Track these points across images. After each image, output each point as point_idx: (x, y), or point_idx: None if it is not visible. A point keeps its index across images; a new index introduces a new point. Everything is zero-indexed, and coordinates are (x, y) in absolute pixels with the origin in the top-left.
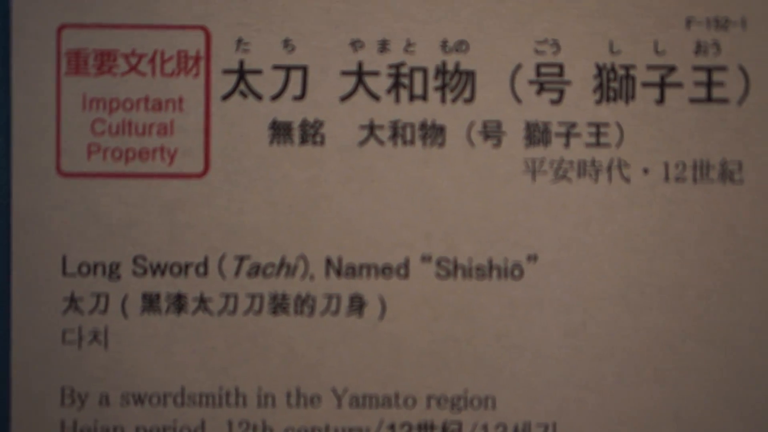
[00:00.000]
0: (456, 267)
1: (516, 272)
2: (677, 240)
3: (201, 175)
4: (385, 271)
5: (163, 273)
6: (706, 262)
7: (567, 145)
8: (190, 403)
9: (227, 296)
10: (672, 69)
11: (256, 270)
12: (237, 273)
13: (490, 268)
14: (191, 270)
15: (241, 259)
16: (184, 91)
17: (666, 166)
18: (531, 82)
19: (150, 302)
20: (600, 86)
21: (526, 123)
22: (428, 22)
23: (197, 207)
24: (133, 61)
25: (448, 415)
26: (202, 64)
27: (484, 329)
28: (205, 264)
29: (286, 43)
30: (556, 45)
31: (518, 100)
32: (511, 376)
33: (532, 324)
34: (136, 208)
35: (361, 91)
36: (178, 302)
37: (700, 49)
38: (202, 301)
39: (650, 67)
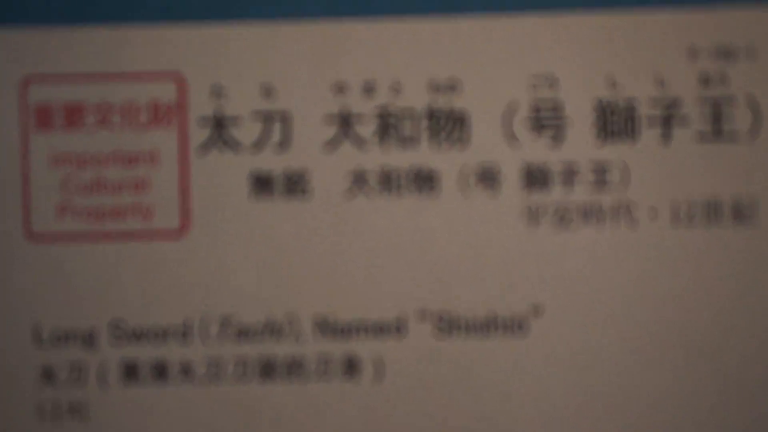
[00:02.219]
0: (455, 324)
1: (519, 327)
2: (689, 287)
3: (179, 232)
4: (380, 330)
5: (142, 339)
6: (720, 311)
7: (568, 187)
8: None
9: (211, 363)
10: (677, 103)
11: (241, 333)
12: (221, 337)
13: (492, 323)
14: (172, 335)
15: (225, 321)
16: (158, 144)
17: (674, 207)
18: (527, 121)
19: (129, 372)
20: (601, 123)
21: (523, 165)
22: (415, 60)
23: (176, 267)
24: (103, 113)
25: None
26: (176, 113)
27: (487, 390)
28: (187, 328)
29: (265, 89)
30: (553, 80)
31: (514, 140)
32: None
33: (537, 382)
34: (111, 270)
35: (346, 136)
36: (160, 371)
37: (705, 80)
38: (185, 369)
39: (653, 101)
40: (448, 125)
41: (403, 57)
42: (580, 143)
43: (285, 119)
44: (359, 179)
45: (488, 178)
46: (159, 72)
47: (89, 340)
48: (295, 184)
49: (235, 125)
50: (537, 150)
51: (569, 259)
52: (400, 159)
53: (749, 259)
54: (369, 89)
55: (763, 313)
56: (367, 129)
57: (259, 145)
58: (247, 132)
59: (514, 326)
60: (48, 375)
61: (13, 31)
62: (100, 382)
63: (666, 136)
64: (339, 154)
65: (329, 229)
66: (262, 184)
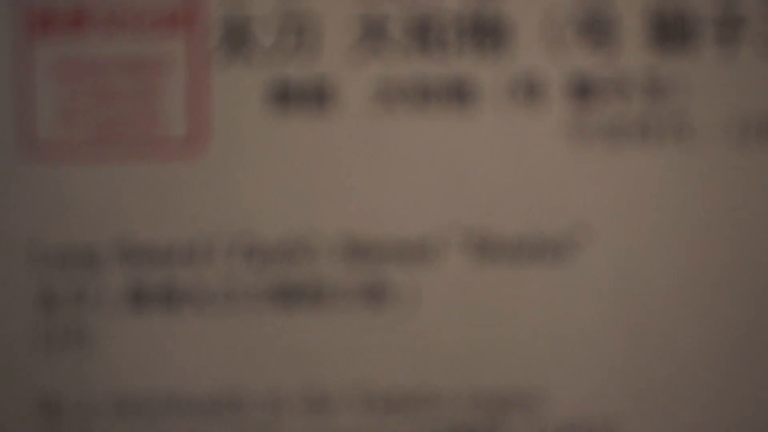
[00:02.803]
0: (494, 249)
1: (562, 253)
2: (753, 213)
3: (190, 145)
4: (410, 255)
5: (148, 259)
6: None
7: (620, 101)
8: (186, 413)
9: (223, 287)
10: (740, 7)
11: (257, 254)
12: (234, 258)
13: (533, 249)
14: (181, 256)
15: (239, 241)
16: (168, 49)
17: (737, 124)
18: (575, 27)
19: (135, 296)
20: (657, 30)
21: (570, 76)
22: None
23: (187, 183)
24: (109, 14)
25: (488, 416)
26: (190, 15)
27: (526, 319)
28: (197, 248)
29: None
30: None
31: (561, 48)
32: (562, 372)
33: (580, 313)
34: (118, 184)
35: (375, 42)
36: (168, 295)
37: None
38: (195, 294)
39: (714, 6)
40: (488, 30)
41: None
42: (634, 51)
43: (308, 22)
44: (389, 89)
45: (531, 89)
46: None
47: (91, 259)
48: (319, 94)
49: (254, 28)
50: (585, 59)
51: (619, 181)
52: (434, 67)
53: None
54: None
55: None
56: (398, 33)
57: (279, 50)
58: (266, 36)
59: (557, 252)
60: (45, 298)
61: None
62: (103, 306)
63: (728, 44)
64: (367, 61)
65: (355, 143)
66: (282, 93)
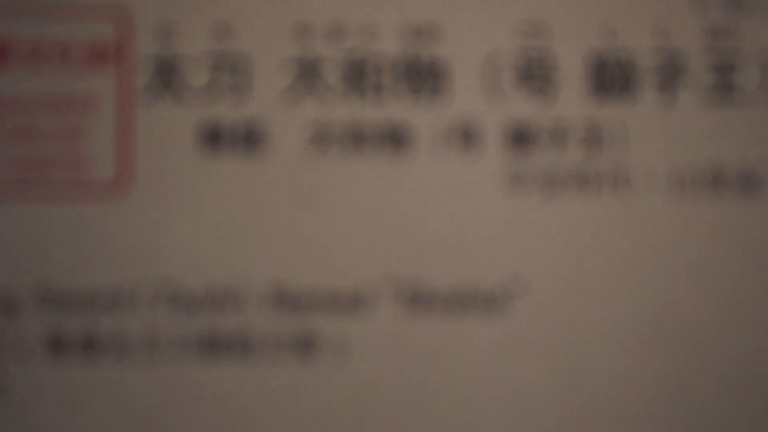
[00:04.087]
0: (428, 299)
1: (498, 305)
2: (690, 263)
3: (116, 188)
4: (342, 305)
5: (69, 306)
6: (723, 289)
7: (558, 149)
8: None
9: (147, 338)
10: (680, 56)
11: (183, 303)
12: (158, 307)
13: (468, 300)
14: (104, 303)
15: (163, 289)
16: (96, 87)
17: (675, 174)
18: (513, 73)
19: (54, 345)
20: (596, 77)
21: (508, 122)
22: (390, 1)
23: (112, 227)
24: (34, 49)
25: None
26: (119, 52)
27: (460, 375)
28: (121, 296)
29: (221, 28)
30: (543, 28)
31: (499, 94)
32: (497, 428)
33: (515, 369)
34: (38, 227)
35: (309, 85)
36: (89, 345)
37: (713, 32)
38: (117, 345)
39: (655, 55)
40: (425, 75)
41: None
42: (573, 99)
43: (241, 63)
44: (323, 134)
45: (468, 136)
46: (101, 4)
47: (9, 305)
48: (250, 137)
49: (185, 68)
50: (523, 106)
51: (556, 231)
52: (370, 112)
53: (756, 232)
54: (337, 32)
55: None
56: (333, 76)
57: (210, 91)
58: (197, 76)
59: (493, 304)
60: None
61: None
62: (20, 355)
63: (668, 94)
64: (301, 105)
65: (287, 189)
66: (212, 136)
